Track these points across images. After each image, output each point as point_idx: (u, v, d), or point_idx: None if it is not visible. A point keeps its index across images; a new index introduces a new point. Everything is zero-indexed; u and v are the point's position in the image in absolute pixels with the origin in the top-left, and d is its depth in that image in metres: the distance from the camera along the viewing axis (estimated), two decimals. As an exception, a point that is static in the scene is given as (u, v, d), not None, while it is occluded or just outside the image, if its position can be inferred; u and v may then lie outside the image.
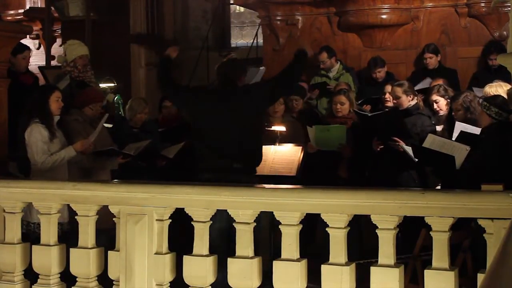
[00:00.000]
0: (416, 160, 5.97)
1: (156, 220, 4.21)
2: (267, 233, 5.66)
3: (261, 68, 8.59)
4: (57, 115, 5.79)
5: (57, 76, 7.32)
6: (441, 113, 6.77)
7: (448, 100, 6.69)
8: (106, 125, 6.51)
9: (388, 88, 7.29)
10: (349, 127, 6.67)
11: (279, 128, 6.78)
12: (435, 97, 6.75)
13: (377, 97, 7.70)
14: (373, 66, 8.53)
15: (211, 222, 4.21)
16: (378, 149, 6.38)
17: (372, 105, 7.84)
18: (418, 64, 8.90)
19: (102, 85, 8.32)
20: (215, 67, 5.80)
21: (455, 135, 5.83)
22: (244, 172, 5.34)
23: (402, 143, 6.13)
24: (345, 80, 8.49)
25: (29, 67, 7.41)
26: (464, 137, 5.65)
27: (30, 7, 13.02)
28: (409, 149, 6.00)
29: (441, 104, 6.74)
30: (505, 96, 5.70)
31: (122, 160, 6.28)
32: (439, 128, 6.63)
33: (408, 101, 6.59)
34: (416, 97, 6.68)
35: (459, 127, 5.81)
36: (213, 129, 5.40)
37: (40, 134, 5.63)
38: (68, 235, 5.21)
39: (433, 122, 6.71)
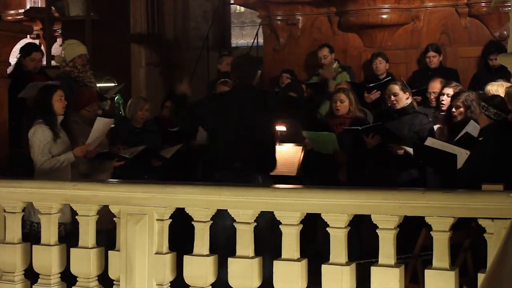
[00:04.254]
0: (416, 160, 5.95)
1: (157, 220, 4.21)
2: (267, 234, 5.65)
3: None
4: (61, 114, 5.73)
5: (58, 76, 7.30)
6: (444, 108, 6.75)
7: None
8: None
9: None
10: (347, 128, 6.64)
11: (279, 128, 6.77)
12: (447, 90, 6.66)
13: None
14: (375, 56, 8.60)
15: (212, 221, 4.22)
16: (373, 143, 6.41)
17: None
18: (421, 63, 8.91)
19: (99, 85, 8.29)
20: (230, 68, 5.96)
21: (465, 131, 5.74)
22: (259, 172, 5.47)
23: (404, 147, 6.14)
24: (342, 78, 8.50)
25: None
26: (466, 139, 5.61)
27: (30, 7, 13.03)
28: (410, 150, 5.99)
29: (446, 99, 6.65)
30: (505, 96, 5.69)
31: (117, 163, 6.25)
32: (436, 127, 6.62)
33: (406, 98, 6.62)
34: (410, 95, 6.71)
35: (471, 126, 5.72)
36: (226, 130, 5.54)
37: (43, 135, 5.59)
38: (71, 235, 5.20)
39: (430, 119, 6.71)
